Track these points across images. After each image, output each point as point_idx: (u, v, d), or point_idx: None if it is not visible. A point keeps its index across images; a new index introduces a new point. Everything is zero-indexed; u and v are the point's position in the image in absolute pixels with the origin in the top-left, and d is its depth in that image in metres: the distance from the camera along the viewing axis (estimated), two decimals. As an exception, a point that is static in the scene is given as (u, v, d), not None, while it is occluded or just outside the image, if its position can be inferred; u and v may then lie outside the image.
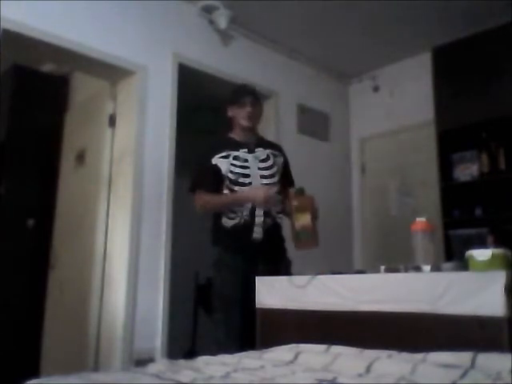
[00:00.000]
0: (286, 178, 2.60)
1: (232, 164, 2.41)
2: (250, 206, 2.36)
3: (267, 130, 3.79)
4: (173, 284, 3.19)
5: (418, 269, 1.76)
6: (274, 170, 2.49)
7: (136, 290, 2.98)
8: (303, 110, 4.27)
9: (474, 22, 3.58)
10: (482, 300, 1.42)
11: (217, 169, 2.41)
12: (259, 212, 2.36)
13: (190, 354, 3.63)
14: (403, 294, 1.63)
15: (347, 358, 1.47)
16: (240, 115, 2.51)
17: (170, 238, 3.21)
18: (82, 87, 3.98)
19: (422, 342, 1.51)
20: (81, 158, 3.49)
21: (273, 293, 2.06)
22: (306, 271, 2.01)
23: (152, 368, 1.44)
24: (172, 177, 3.28)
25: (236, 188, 2.39)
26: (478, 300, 1.43)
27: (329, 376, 1.28)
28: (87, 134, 3.47)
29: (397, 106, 4.39)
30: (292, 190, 2.48)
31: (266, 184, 2.42)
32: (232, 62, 3.75)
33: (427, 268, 1.74)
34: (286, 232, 2.43)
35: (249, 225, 2.36)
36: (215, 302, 2.41)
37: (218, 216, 2.43)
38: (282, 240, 2.49)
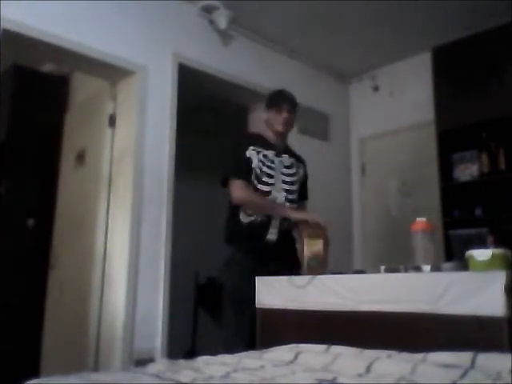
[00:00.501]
0: (302, 191, 2.65)
1: (261, 161, 2.45)
2: None
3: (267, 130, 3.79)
4: (173, 284, 3.19)
5: (417, 269, 1.76)
6: (295, 178, 2.55)
7: (136, 290, 2.98)
8: (303, 110, 4.26)
9: (474, 21, 3.58)
10: (481, 300, 1.42)
11: (250, 161, 2.44)
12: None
13: (190, 353, 3.63)
14: (403, 294, 1.63)
15: (347, 358, 1.47)
16: (276, 120, 2.55)
17: (170, 238, 3.21)
18: (82, 87, 3.98)
19: (422, 342, 1.51)
20: (81, 157, 3.49)
21: (273, 293, 2.06)
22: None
23: (152, 368, 1.44)
24: (172, 177, 3.28)
25: (259, 185, 2.42)
26: (477, 300, 1.43)
27: (329, 376, 1.28)
28: (87, 134, 3.47)
29: (397, 105, 4.38)
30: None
31: (287, 189, 2.48)
32: (232, 62, 3.75)
33: (427, 268, 1.74)
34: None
35: (265, 224, 2.40)
36: (225, 301, 2.41)
37: (235, 211, 2.45)
38: (293, 241, 2.51)
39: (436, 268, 1.74)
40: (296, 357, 1.57)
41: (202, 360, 1.58)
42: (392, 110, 4.41)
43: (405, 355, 1.44)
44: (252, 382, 1.25)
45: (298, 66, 4.32)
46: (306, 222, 2.30)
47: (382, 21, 3.76)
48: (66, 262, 3.38)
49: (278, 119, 2.53)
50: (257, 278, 2.14)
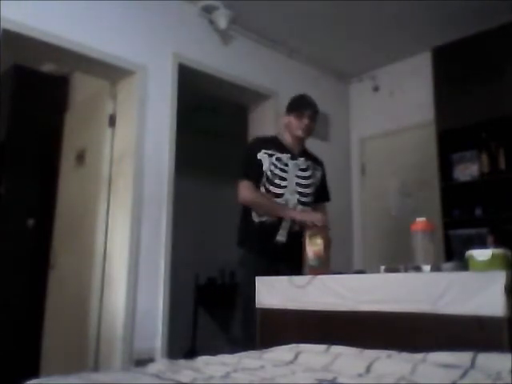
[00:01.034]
0: (322, 193, 2.69)
1: (273, 164, 2.48)
2: None
3: (267, 130, 3.79)
4: (173, 284, 3.19)
5: (417, 269, 1.76)
6: (311, 181, 2.58)
7: (136, 290, 2.98)
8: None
9: (474, 21, 3.57)
10: (482, 300, 1.42)
11: (260, 163, 2.48)
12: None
13: (190, 353, 3.64)
14: (403, 294, 1.63)
15: (347, 358, 1.47)
16: (296, 125, 2.58)
17: (170, 238, 3.21)
18: (82, 87, 3.98)
19: (422, 342, 1.51)
20: (81, 157, 3.49)
21: (273, 293, 2.06)
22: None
23: (152, 368, 1.44)
24: (172, 177, 3.28)
25: (271, 188, 2.46)
26: (478, 300, 1.43)
27: (329, 376, 1.28)
28: (87, 134, 3.47)
29: (397, 105, 4.38)
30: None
31: (300, 192, 2.50)
32: (232, 62, 3.75)
33: (427, 268, 1.74)
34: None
35: (275, 225, 2.44)
36: (238, 300, 2.48)
37: (247, 211, 2.50)
38: (301, 238, 2.53)
39: (436, 268, 1.74)
40: (296, 357, 1.57)
41: (201, 360, 1.58)
42: (392, 110, 4.41)
43: (405, 355, 1.44)
44: (252, 382, 1.25)
45: (298, 66, 4.32)
46: (306, 226, 2.31)
47: (381, 21, 3.76)
48: (66, 262, 3.38)
49: (299, 125, 2.57)
50: (257, 278, 2.15)
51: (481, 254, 1.57)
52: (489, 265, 1.53)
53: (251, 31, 3.89)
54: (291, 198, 2.49)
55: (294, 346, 1.71)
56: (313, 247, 2.16)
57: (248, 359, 1.55)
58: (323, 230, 2.28)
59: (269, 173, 2.47)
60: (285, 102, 4.10)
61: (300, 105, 2.62)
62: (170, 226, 3.22)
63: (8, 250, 3.51)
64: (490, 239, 2.11)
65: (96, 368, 2.97)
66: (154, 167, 3.20)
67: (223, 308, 4.89)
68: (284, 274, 2.13)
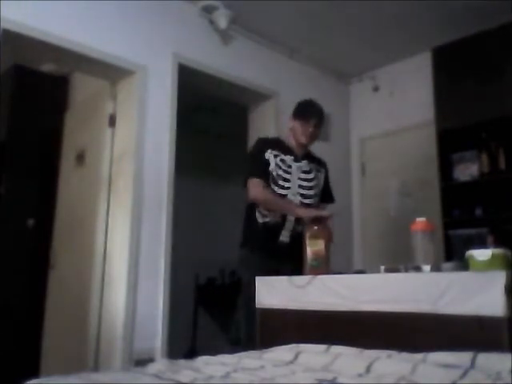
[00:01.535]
0: (325, 194, 2.70)
1: (277, 164, 2.50)
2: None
3: (267, 130, 3.79)
4: (173, 284, 3.19)
5: (418, 269, 1.76)
6: (314, 183, 2.59)
7: (136, 290, 2.98)
8: (303, 110, 4.26)
9: (474, 21, 3.57)
10: (482, 300, 1.42)
11: (268, 162, 2.50)
12: (290, 217, 2.46)
13: (190, 353, 3.64)
14: (403, 294, 1.63)
15: (347, 358, 1.47)
16: (300, 131, 2.58)
17: (170, 238, 3.21)
18: (82, 87, 3.98)
19: (422, 342, 1.51)
20: (81, 157, 3.49)
21: (273, 293, 2.06)
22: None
23: (152, 368, 1.44)
24: (172, 177, 3.28)
25: (275, 188, 2.48)
26: (478, 300, 1.43)
27: (329, 376, 1.28)
28: (87, 134, 3.47)
29: (397, 106, 4.38)
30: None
31: (302, 194, 2.52)
32: (232, 62, 3.75)
33: (427, 268, 1.74)
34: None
35: (279, 226, 2.46)
36: (240, 300, 2.49)
37: (251, 211, 2.51)
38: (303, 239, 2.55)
39: (436, 268, 1.74)
40: (296, 357, 1.57)
41: (201, 360, 1.58)
42: (392, 110, 4.41)
43: (405, 355, 1.44)
44: (252, 382, 1.25)
45: (298, 66, 4.32)
46: (311, 221, 2.30)
47: (381, 21, 3.76)
48: (66, 261, 3.38)
49: (303, 131, 2.57)
50: (257, 278, 2.15)
51: (481, 254, 1.57)
52: (489, 265, 1.53)
53: (251, 31, 3.89)
54: (294, 199, 2.51)
55: (293, 345, 1.71)
56: (313, 247, 2.16)
57: (248, 359, 1.55)
58: (325, 230, 2.27)
59: (274, 173, 2.49)
60: (285, 101, 4.14)
61: (306, 112, 2.60)
62: (170, 226, 3.22)
63: (8, 250, 3.51)
64: (490, 239, 2.12)
65: (96, 368, 2.97)
66: (153, 167, 3.20)
67: (223, 308, 4.89)
68: (286, 275, 2.13)
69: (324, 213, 2.38)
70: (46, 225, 3.62)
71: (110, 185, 3.23)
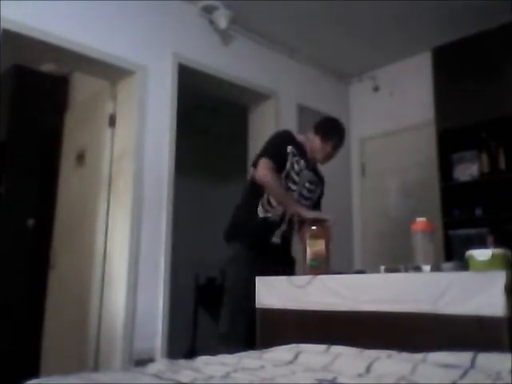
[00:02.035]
0: (314, 208, 2.68)
1: (292, 164, 2.48)
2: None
3: (267, 130, 3.79)
4: (173, 284, 3.19)
5: (417, 269, 1.76)
6: (312, 195, 2.59)
7: (136, 290, 2.98)
8: (303, 110, 4.27)
9: (474, 21, 3.57)
10: (482, 300, 1.42)
11: (286, 156, 2.47)
12: (287, 219, 2.46)
13: (190, 353, 3.63)
14: (403, 294, 1.63)
15: (347, 358, 1.47)
16: (319, 149, 2.58)
17: (170, 238, 3.21)
18: (82, 87, 3.98)
19: (422, 342, 1.51)
20: (81, 157, 3.49)
21: (273, 293, 2.06)
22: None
23: (152, 368, 1.44)
24: (172, 176, 3.28)
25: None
26: (478, 300, 1.43)
27: (329, 376, 1.28)
28: (87, 134, 3.47)
29: (397, 106, 4.38)
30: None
31: (301, 202, 2.50)
32: (232, 62, 3.75)
33: (427, 268, 1.74)
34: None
35: (276, 224, 2.45)
36: (226, 297, 2.42)
37: (254, 202, 2.46)
38: (289, 243, 2.59)
39: (436, 268, 1.74)
40: (296, 357, 1.57)
41: (201, 360, 1.58)
42: (392, 110, 4.41)
43: (405, 355, 1.44)
44: (252, 382, 1.25)
45: (298, 66, 4.32)
46: (311, 222, 2.29)
47: (381, 21, 3.76)
48: (66, 261, 3.38)
49: (322, 149, 2.58)
50: (257, 278, 2.15)
51: (481, 254, 1.57)
52: (489, 265, 1.53)
53: (251, 31, 3.89)
54: None
55: (294, 345, 1.71)
56: (313, 247, 2.16)
57: (248, 359, 1.55)
58: (325, 230, 2.27)
59: (287, 171, 2.46)
60: (285, 101, 4.14)
61: (329, 132, 2.61)
62: (170, 226, 3.22)
63: (8, 249, 3.51)
64: (490, 239, 2.12)
65: (96, 368, 2.97)
66: (153, 167, 3.20)
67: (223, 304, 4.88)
68: (277, 273, 2.14)
69: (325, 215, 2.37)
70: (46, 225, 3.62)
71: (110, 185, 3.23)
